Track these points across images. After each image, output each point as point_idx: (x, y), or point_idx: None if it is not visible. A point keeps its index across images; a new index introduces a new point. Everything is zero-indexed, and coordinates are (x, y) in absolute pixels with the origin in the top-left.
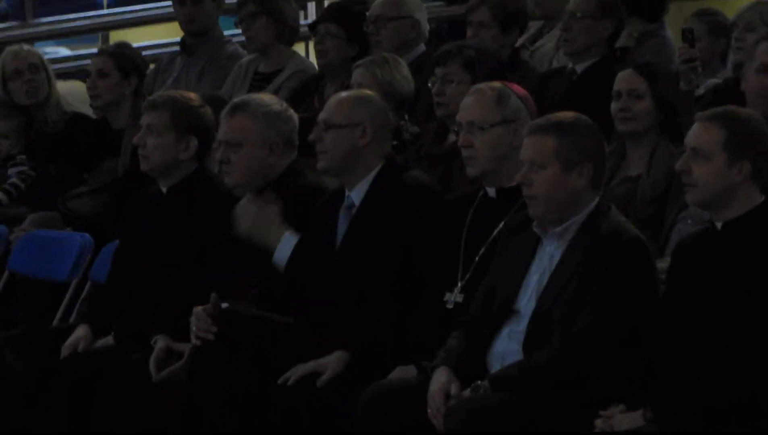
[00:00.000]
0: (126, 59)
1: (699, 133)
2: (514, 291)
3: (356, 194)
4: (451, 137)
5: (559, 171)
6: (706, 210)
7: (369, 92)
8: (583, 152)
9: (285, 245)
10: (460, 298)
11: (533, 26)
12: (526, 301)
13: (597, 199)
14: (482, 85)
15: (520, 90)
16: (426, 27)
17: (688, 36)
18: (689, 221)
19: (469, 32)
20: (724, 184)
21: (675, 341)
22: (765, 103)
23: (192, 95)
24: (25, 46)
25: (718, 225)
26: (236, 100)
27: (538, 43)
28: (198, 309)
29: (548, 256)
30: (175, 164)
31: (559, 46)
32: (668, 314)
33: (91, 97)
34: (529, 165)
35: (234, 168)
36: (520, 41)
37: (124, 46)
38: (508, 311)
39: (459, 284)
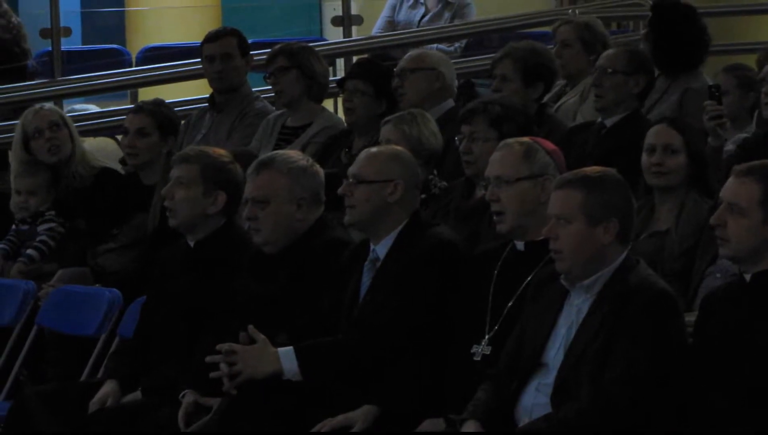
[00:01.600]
0: (165, 118)
1: (735, 187)
2: (542, 343)
3: (381, 248)
4: (479, 193)
5: (584, 226)
6: (737, 264)
7: (400, 148)
8: (609, 207)
9: (286, 360)
10: (487, 351)
11: (556, 85)
12: (554, 354)
13: (625, 254)
14: (511, 140)
15: (548, 145)
16: (454, 82)
17: (714, 93)
18: (718, 275)
19: (493, 85)
20: (758, 239)
21: (704, 393)
22: None
23: (222, 151)
24: (46, 105)
25: (747, 277)
26: (262, 157)
27: (561, 101)
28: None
29: (576, 308)
30: (202, 218)
31: (583, 101)
32: (697, 366)
33: (128, 154)
34: (556, 219)
35: (262, 225)
36: (545, 99)
37: (162, 105)
38: (536, 364)
39: (486, 337)
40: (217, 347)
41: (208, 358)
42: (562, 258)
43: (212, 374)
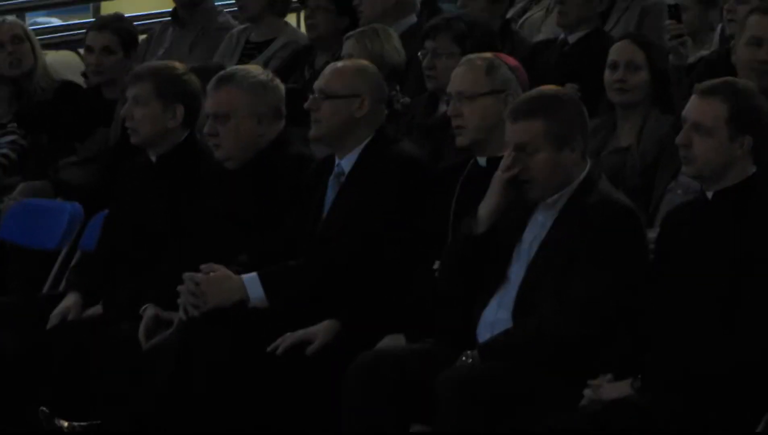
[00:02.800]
0: (128, 34)
1: (700, 107)
2: (506, 258)
3: (346, 162)
4: (442, 108)
5: (551, 152)
6: (701, 182)
7: (367, 63)
8: (571, 130)
9: (251, 287)
10: None
11: (520, 1)
12: (518, 270)
13: (587, 168)
14: (472, 56)
15: (511, 60)
16: None
17: (674, 12)
18: (679, 191)
19: (459, 3)
20: (724, 158)
21: (665, 311)
22: (755, 76)
23: (176, 63)
24: (8, 18)
25: (709, 195)
26: (222, 72)
27: (526, 15)
28: (187, 275)
29: (540, 224)
30: (163, 133)
31: (548, 14)
32: (658, 283)
33: (93, 73)
34: (520, 149)
35: (223, 140)
36: (509, 14)
37: (123, 20)
38: (500, 278)
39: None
40: (183, 276)
41: (179, 288)
42: (533, 187)
43: (178, 301)
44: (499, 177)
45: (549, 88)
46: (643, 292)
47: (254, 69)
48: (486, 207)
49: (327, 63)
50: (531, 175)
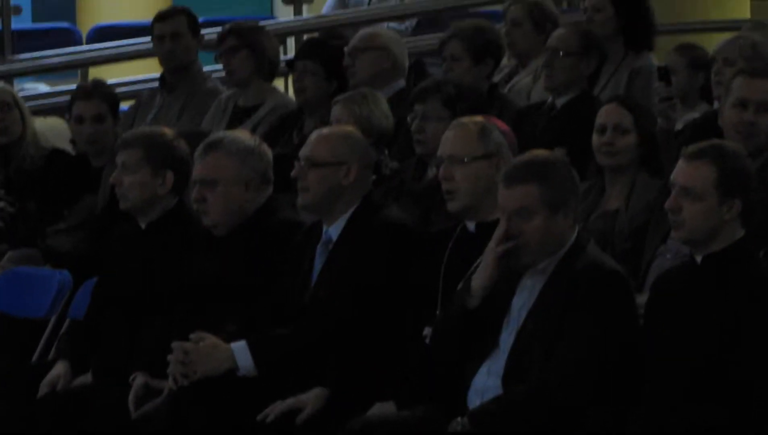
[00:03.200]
0: (114, 100)
1: (689, 171)
2: (498, 326)
3: (334, 230)
4: (431, 173)
5: (546, 216)
6: (691, 247)
7: (352, 129)
8: (564, 194)
9: (240, 356)
10: None
11: (507, 66)
12: (507, 336)
13: (576, 233)
14: (464, 119)
15: (501, 125)
16: (405, 61)
17: (664, 75)
18: (668, 256)
19: (443, 66)
20: (713, 222)
21: (654, 374)
22: (741, 138)
23: (165, 129)
24: None
25: (698, 259)
26: (209, 138)
27: (514, 80)
28: (176, 344)
29: (528, 290)
30: (153, 200)
31: (536, 80)
32: (647, 348)
33: (87, 142)
34: (516, 215)
35: (210, 206)
36: (496, 78)
37: (106, 86)
38: (492, 345)
39: (437, 317)
40: (172, 345)
41: (168, 357)
42: (526, 252)
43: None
44: (492, 250)
45: (541, 152)
46: (632, 356)
47: (241, 135)
48: (479, 280)
49: (315, 127)
50: (525, 241)
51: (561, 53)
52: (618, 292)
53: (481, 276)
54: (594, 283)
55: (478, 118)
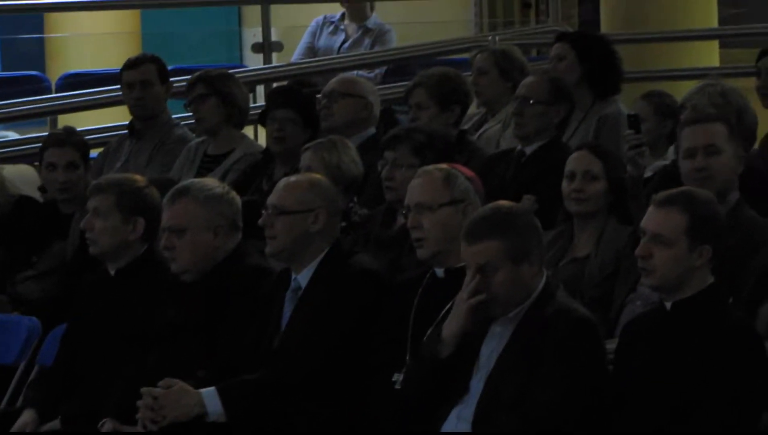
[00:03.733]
0: (85, 147)
1: (659, 218)
2: (468, 371)
3: (303, 277)
4: (400, 220)
5: (510, 268)
6: (661, 293)
7: (320, 177)
8: (528, 245)
9: (210, 402)
10: None
11: (477, 114)
12: (477, 382)
13: (544, 280)
14: (429, 167)
15: (467, 171)
16: (377, 111)
17: (634, 122)
18: (638, 302)
19: (410, 114)
20: (684, 268)
21: (624, 421)
22: (698, 185)
23: (137, 176)
24: None
25: (668, 305)
26: (178, 186)
27: (483, 127)
28: (145, 390)
29: (498, 337)
30: (123, 246)
31: (506, 128)
32: (617, 393)
33: (60, 190)
34: (478, 270)
35: (179, 254)
36: (466, 126)
37: (77, 133)
38: (463, 391)
39: (407, 365)
40: (141, 391)
41: (137, 402)
42: (495, 305)
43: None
44: (464, 301)
45: (501, 204)
46: (602, 403)
47: (210, 182)
48: (451, 330)
49: (286, 174)
50: (493, 294)
51: (531, 101)
52: (588, 338)
53: (452, 325)
54: (564, 330)
55: (443, 166)
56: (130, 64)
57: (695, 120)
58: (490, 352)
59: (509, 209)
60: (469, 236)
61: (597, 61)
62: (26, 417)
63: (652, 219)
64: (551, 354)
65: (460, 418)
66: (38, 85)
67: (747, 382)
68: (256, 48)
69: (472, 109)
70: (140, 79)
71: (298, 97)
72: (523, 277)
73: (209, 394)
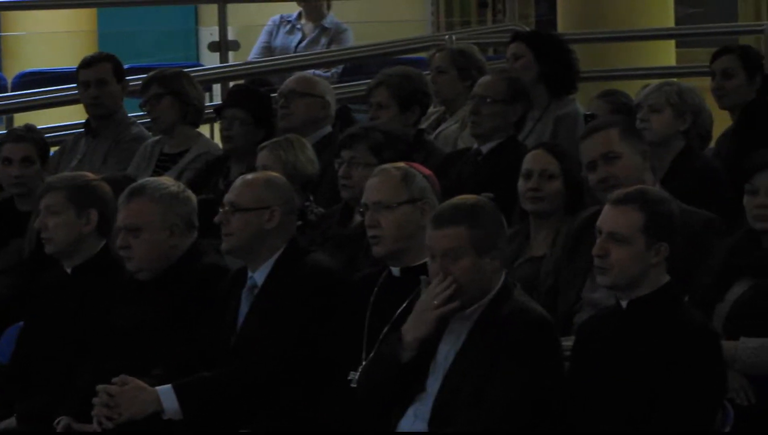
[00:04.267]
0: (44, 144)
1: (615, 216)
2: (425, 370)
3: (259, 275)
4: (357, 219)
5: (474, 258)
6: (617, 292)
7: (276, 175)
8: (492, 237)
9: (166, 399)
10: None
11: (434, 112)
12: (434, 381)
13: (503, 279)
14: (387, 166)
15: (424, 170)
16: (334, 109)
17: (590, 121)
18: (595, 295)
19: (370, 113)
20: (640, 267)
21: (580, 420)
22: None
23: (87, 173)
24: None
25: (624, 304)
26: (133, 185)
27: (441, 127)
28: (101, 388)
29: (455, 335)
30: (79, 241)
31: (463, 127)
32: (573, 392)
33: (13, 184)
34: (442, 256)
35: (135, 253)
36: (423, 124)
37: (36, 131)
38: (419, 390)
39: (363, 364)
40: (97, 389)
41: (93, 400)
42: (461, 293)
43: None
44: (433, 308)
45: (470, 196)
46: (559, 401)
47: (166, 181)
48: (415, 334)
49: (241, 173)
50: (457, 281)
51: (488, 100)
52: (545, 338)
53: (417, 330)
54: (522, 329)
55: (401, 164)
56: (86, 63)
57: (586, 133)
58: (447, 350)
59: (479, 201)
60: (438, 221)
61: (553, 61)
62: None
63: (608, 218)
64: (509, 353)
65: (417, 416)
66: None
67: (703, 380)
68: (213, 47)
69: (430, 107)
70: (96, 78)
71: (249, 96)
72: (485, 269)
73: (165, 391)
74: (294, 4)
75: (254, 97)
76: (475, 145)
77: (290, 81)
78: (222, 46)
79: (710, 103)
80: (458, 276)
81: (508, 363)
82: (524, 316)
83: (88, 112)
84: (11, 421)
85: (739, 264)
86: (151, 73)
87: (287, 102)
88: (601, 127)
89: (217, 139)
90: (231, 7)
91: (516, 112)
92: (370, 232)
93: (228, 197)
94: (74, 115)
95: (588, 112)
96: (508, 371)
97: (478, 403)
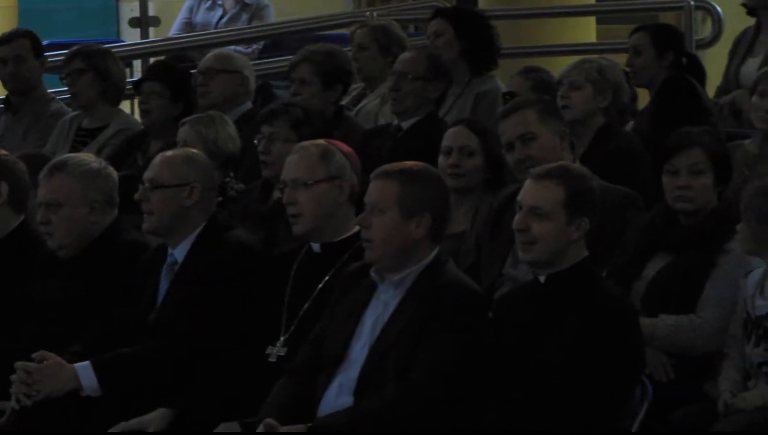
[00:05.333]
0: None
1: (536, 191)
2: (347, 339)
3: (179, 252)
4: (276, 195)
5: (397, 217)
6: (538, 268)
7: (195, 151)
8: (424, 202)
9: (84, 376)
10: (282, 352)
11: (355, 88)
12: (359, 350)
13: (436, 251)
14: (306, 143)
15: (344, 147)
16: (253, 85)
17: (508, 99)
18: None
19: (292, 89)
20: (562, 241)
21: (498, 393)
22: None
23: None
24: None
25: (542, 278)
26: (54, 161)
27: (362, 103)
28: (19, 364)
29: (383, 304)
30: None
31: (384, 103)
32: (493, 366)
33: None
34: (371, 208)
35: (55, 229)
36: (344, 101)
37: None
38: (339, 360)
39: (282, 338)
40: (15, 365)
41: (11, 377)
42: (372, 247)
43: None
44: None
45: (422, 163)
46: (479, 373)
47: (86, 157)
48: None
49: (161, 150)
50: (371, 235)
51: (409, 76)
52: (477, 311)
53: None
54: (454, 302)
55: (320, 142)
56: (3, 40)
57: (504, 113)
58: (375, 319)
59: (426, 168)
60: (375, 173)
61: (474, 37)
62: None
63: (529, 192)
64: (440, 325)
65: (341, 386)
66: None
67: (620, 353)
68: (134, 23)
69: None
70: (14, 54)
71: (167, 70)
72: (407, 233)
73: (84, 368)
74: None
75: (172, 72)
76: (396, 121)
77: (208, 58)
78: (142, 22)
79: None
80: (374, 230)
81: (438, 335)
82: (457, 289)
83: (6, 88)
84: None
85: (656, 240)
86: (74, 48)
87: (206, 79)
88: (518, 107)
89: (138, 116)
90: None
91: (436, 89)
92: (289, 210)
93: (147, 174)
94: None
95: (506, 90)
96: (439, 343)
97: (406, 371)
